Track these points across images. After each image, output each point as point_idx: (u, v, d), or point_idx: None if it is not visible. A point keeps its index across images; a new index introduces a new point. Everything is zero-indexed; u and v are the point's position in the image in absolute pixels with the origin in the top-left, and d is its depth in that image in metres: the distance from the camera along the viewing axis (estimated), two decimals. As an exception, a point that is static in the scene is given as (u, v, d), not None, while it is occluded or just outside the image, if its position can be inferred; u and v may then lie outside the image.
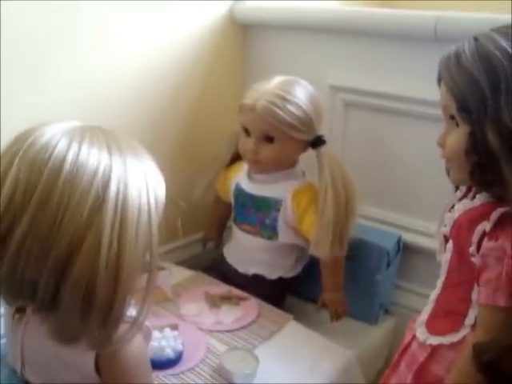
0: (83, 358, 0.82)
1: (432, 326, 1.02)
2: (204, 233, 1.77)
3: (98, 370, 0.83)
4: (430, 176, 1.55)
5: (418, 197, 1.60)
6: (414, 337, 1.04)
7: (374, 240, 1.54)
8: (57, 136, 0.74)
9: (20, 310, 0.85)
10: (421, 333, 1.02)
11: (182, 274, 1.58)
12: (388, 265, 1.55)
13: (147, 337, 0.89)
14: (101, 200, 0.71)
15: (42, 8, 1.26)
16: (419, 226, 1.61)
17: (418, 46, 1.48)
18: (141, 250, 0.74)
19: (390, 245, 1.55)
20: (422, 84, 1.47)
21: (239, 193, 1.54)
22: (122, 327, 0.76)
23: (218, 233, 1.76)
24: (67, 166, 0.71)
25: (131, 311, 0.78)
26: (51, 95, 1.33)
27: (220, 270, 1.62)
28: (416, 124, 1.56)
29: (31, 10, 1.24)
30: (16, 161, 0.72)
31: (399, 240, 1.60)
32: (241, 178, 1.54)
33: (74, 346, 0.76)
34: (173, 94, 1.66)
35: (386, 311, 1.67)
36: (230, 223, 1.70)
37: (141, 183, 0.76)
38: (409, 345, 1.03)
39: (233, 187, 1.56)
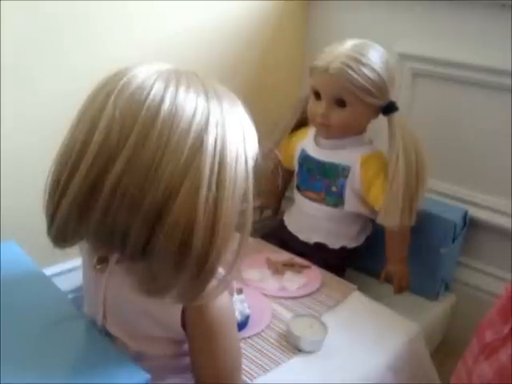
0: (169, 311, 0.80)
1: None
2: (261, 201, 1.72)
3: (183, 324, 0.81)
4: (500, 150, 1.51)
5: (486, 171, 1.56)
6: None
7: (440, 213, 1.50)
8: (152, 77, 0.71)
9: (102, 261, 0.83)
10: None
11: None
12: (453, 239, 1.51)
13: (231, 293, 0.87)
14: (200, 142, 0.68)
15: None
16: (487, 202, 1.57)
17: (491, 13, 1.42)
18: (238, 198, 0.71)
19: (456, 218, 1.50)
20: (493, 52, 1.44)
21: (305, 159, 1.50)
22: (212, 282, 0.73)
23: (277, 201, 1.72)
24: (165, 106, 0.68)
25: (220, 269, 0.76)
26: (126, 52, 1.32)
27: (280, 238, 1.59)
28: (487, 95, 1.51)
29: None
30: (111, 100, 0.69)
31: (466, 214, 1.55)
32: (307, 143, 1.50)
33: (161, 298, 0.73)
34: (234, 61, 1.64)
35: (447, 287, 1.63)
36: (289, 193, 1.67)
37: (237, 129, 0.73)
38: None
39: (298, 153, 1.52)
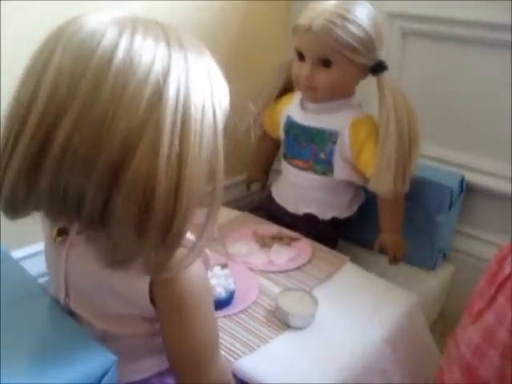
0: (136, 286, 0.72)
1: None
2: (248, 174, 1.67)
3: (152, 300, 0.74)
4: (499, 110, 1.44)
5: (483, 133, 1.49)
6: None
7: (435, 179, 1.43)
8: (105, 24, 0.63)
9: (62, 232, 0.75)
10: None
11: (227, 214, 1.48)
12: (450, 206, 1.44)
13: (206, 264, 0.79)
14: (159, 93, 0.60)
15: None
16: (485, 166, 1.50)
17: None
18: (205, 155, 0.63)
19: (453, 184, 1.44)
20: (488, 5, 1.36)
21: (291, 126, 1.42)
22: (181, 251, 0.66)
23: (264, 174, 1.66)
24: (119, 54, 0.60)
25: (190, 236, 0.68)
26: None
27: (268, 211, 1.52)
28: (483, 52, 1.43)
29: None
30: (58, 49, 0.62)
31: (462, 180, 1.48)
32: (292, 109, 1.42)
33: (126, 271, 0.66)
34: (217, 22, 1.56)
35: (444, 257, 1.57)
36: (277, 165, 1.60)
37: (204, 80, 0.65)
38: (508, 278, 0.92)
39: (283, 120, 1.44)
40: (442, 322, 1.51)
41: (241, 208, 1.58)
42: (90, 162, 0.59)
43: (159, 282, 0.72)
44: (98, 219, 0.62)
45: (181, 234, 0.63)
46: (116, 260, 0.65)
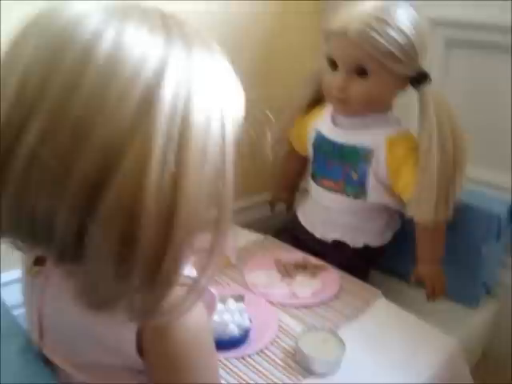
0: (121, 332, 0.60)
1: None
2: (273, 193, 1.57)
3: (139, 349, 0.61)
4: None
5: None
6: None
7: (481, 205, 1.30)
8: (91, 10, 0.51)
9: (39, 262, 0.63)
10: None
11: (248, 236, 1.38)
12: (497, 236, 1.30)
13: (211, 308, 0.66)
14: (151, 96, 0.47)
15: None
16: (537, 191, 1.35)
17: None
18: (209, 178, 0.50)
19: (501, 211, 1.30)
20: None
21: (320, 142, 1.30)
22: (177, 292, 0.53)
23: (290, 193, 1.56)
24: (104, 45, 0.48)
25: (190, 271, 0.55)
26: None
27: (293, 235, 1.43)
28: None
29: None
30: (30, 41, 0.50)
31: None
32: (323, 123, 1.30)
33: (109, 314, 0.53)
34: (243, 29, 1.47)
35: (489, 292, 1.44)
36: (304, 184, 1.50)
37: (213, 84, 0.52)
38: None
39: (312, 135, 1.32)
40: (484, 365, 1.39)
41: (264, 230, 1.49)
42: (61, 181, 0.47)
43: (148, 329, 0.59)
44: (71, 250, 0.50)
45: (172, 275, 0.50)
46: (94, 301, 0.52)
